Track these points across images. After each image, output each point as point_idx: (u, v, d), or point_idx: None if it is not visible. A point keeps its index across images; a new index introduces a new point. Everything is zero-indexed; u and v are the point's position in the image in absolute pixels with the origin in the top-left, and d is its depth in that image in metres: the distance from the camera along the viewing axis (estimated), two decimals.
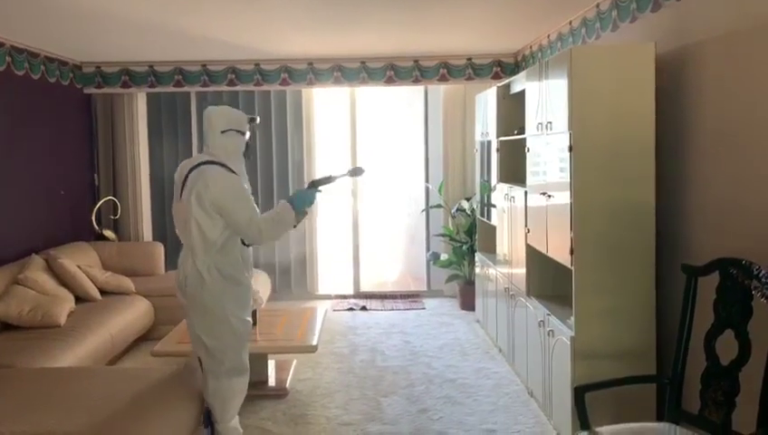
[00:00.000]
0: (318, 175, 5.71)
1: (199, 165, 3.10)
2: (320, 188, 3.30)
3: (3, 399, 2.93)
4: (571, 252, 3.16)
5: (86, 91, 6.40)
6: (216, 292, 3.08)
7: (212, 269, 3.08)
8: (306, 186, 3.38)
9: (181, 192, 3.15)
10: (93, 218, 6.23)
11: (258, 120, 3.34)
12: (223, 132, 3.13)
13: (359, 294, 6.94)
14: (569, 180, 3.16)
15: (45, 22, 4.55)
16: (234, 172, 3.11)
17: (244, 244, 3.22)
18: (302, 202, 3.20)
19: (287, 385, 4.26)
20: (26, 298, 4.37)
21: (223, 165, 3.09)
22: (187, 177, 3.12)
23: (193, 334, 3.22)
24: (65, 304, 4.52)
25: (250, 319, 3.27)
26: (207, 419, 3.26)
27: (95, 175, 6.55)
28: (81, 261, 5.28)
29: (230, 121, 3.15)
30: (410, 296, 6.90)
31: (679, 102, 3.16)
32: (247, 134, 3.24)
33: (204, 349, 3.17)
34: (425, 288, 7.05)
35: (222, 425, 3.24)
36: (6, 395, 2.98)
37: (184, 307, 3.25)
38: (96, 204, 6.33)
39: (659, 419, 2.83)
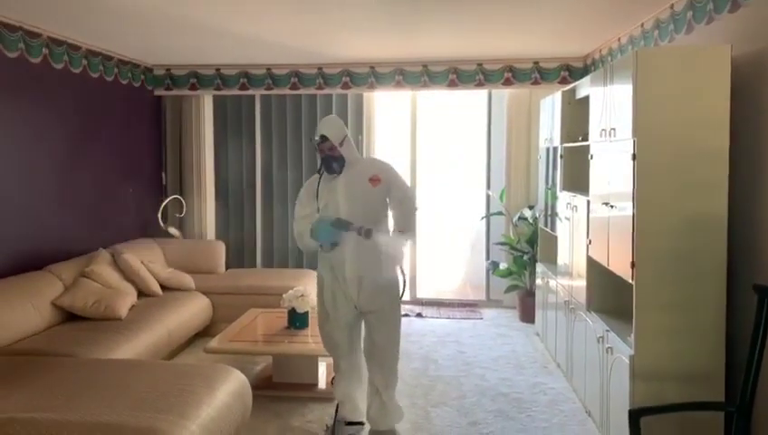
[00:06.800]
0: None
1: None
2: (338, 227, 3.34)
3: (58, 387, 3.03)
4: (633, 265, 2.98)
5: (156, 92, 6.63)
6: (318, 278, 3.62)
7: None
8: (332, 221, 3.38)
9: None
10: (159, 216, 6.42)
11: (314, 139, 3.44)
12: None
13: (415, 301, 6.85)
14: (632, 190, 2.99)
15: (119, 26, 4.72)
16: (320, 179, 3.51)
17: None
18: (316, 233, 3.39)
19: None
20: (91, 291, 4.54)
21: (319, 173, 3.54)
22: None
23: None
24: (127, 298, 4.67)
25: (326, 307, 3.53)
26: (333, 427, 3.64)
27: (163, 174, 6.77)
28: (145, 257, 5.44)
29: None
30: (468, 305, 6.76)
31: (757, 108, 2.93)
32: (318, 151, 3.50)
33: None
34: (484, 297, 6.89)
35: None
36: (62, 384, 3.08)
37: None
38: (163, 202, 6.53)
39: None
